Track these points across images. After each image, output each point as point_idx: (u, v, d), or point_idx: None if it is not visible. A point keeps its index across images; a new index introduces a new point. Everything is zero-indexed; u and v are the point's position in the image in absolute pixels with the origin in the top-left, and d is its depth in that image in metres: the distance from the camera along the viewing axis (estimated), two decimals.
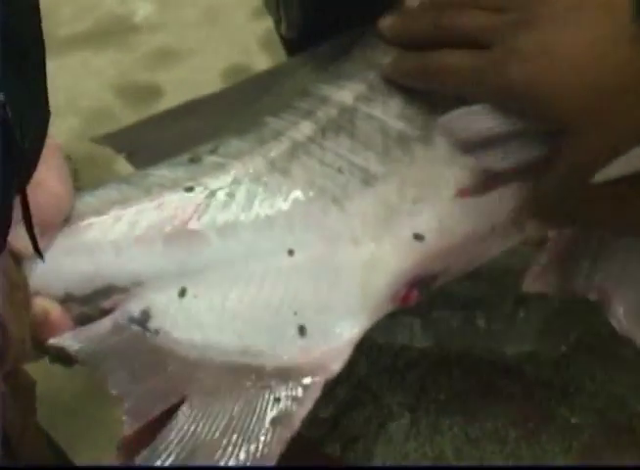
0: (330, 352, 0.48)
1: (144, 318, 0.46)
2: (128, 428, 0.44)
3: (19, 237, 0.46)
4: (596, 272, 0.56)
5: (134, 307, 0.46)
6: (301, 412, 0.46)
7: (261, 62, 1.25)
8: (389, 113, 0.53)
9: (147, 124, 0.62)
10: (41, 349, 0.47)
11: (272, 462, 0.46)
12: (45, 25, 0.46)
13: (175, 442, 0.43)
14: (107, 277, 0.47)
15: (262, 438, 0.45)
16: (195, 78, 1.22)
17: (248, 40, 1.28)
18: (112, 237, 0.47)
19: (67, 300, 0.46)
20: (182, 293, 0.47)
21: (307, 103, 0.53)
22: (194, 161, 0.51)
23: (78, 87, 1.24)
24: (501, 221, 0.53)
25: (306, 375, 0.47)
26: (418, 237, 0.50)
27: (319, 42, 0.64)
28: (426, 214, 0.51)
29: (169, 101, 1.29)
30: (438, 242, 0.51)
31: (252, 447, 0.44)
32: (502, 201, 0.53)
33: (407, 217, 0.51)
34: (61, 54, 1.27)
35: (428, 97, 0.53)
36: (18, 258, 0.47)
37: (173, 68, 1.27)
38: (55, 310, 0.47)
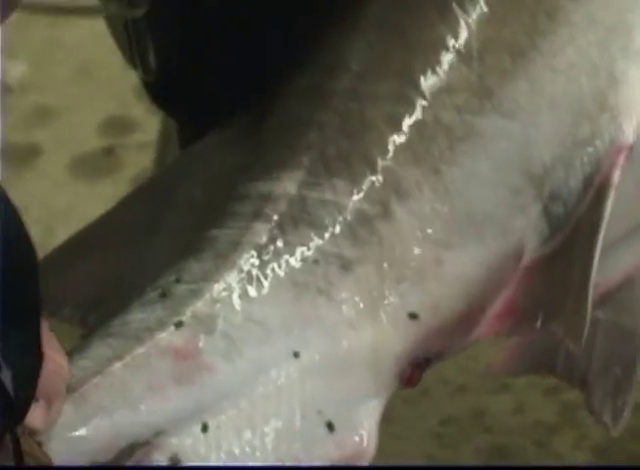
0: (360, 440, 0.49)
1: (174, 463, 0.45)
2: None
3: (33, 416, 0.45)
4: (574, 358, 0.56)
5: (161, 457, 0.45)
6: None
7: (139, 111, 1.26)
8: (340, 193, 0.50)
9: (68, 279, 0.57)
10: None
11: None
12: None
13: None
14: (128, 436, 0.45)
15: None
16: (73, 135, 1.22)
17: (123, 91, 1.28)
18: (124, 395, 0.45)
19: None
20: (204, 428, 0.47)
21: (249, 205, 0.50)
22: (165, 295, 0.48)
23: None
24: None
25: (351, 460, 0.49)
26: (413, 316, 0.50)
27: (180, 86, 0.65)
28: (414, 293, 0.50)
29: (49, 159, 1.29)
30: (434, 319, 0.50)
31: None
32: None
33: (396, 298, 0.50)
34: None
35: (372, 167, 0.50)
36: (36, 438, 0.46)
37: (50, 125, 1.27)
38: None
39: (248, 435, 0.47)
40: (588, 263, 0.47)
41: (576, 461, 1.14)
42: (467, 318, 0.51)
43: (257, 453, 0.48)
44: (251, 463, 0.49)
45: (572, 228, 0.49)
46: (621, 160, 0.49)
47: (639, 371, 0.56)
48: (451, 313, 0.50)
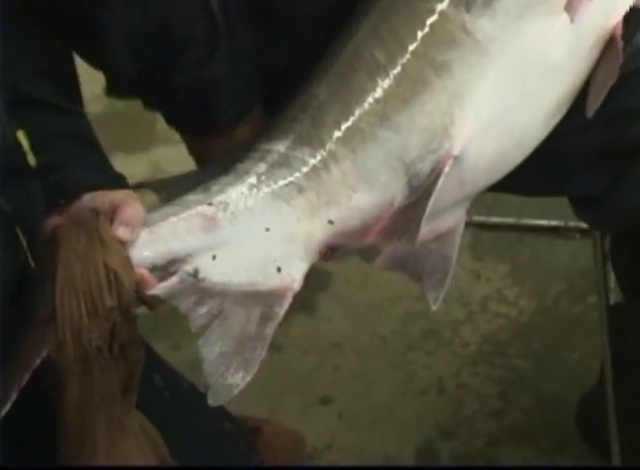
0: (294, 279, 0.92)
1: (195, 273, 0.88)
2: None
3: (124, 233, 0.89)
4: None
5: (189, 268, 0.88)
6: (280, 312, 0.91)
7: None
8: (305, 153, 1.00)
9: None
10: (140, 298, 0.87)
11: (264, 345, 0.89)
12: None
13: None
14: (174, 254, 0.88)
15: (255, 326, 0.91)
16: None
17: None
18: (176, 233, 0.89)
19: (152, 269, 0.87)
20: (213, 257, 0.90)
21: (258, 154, 1.00)
22: (205, 189, 0.94)
23: None
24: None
25: (282, 294, 0.92)
26: (330, 222, 0.94)
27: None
28: (334, 211, 0.95)
29: None
30: (342, 226, 0.94)
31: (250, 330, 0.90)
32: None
33: (324, 211, 0.95)
34: None
35: (322, 143, 1.00)
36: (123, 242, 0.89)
37: None
38: (147, 275, 0.87)
39: (235, 265, 0.92)
40: (422, 209, 0.92)
41: None
42: (360, 230, 0.94)
43: (239, 276, 0.92)
44: (234, 281, 0.92)
45: (420, 193, 0.94)
46: (450, 160, 0.94)
47: (451, 271, 0.96)
48: (351, 225, 0.94)
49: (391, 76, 0.95)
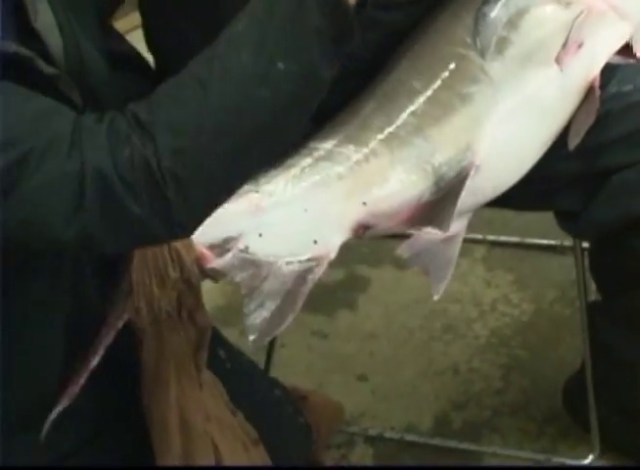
0: (329, 250, 1.00)
1: (245, 249, 0.97)
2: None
3: None
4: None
5: (241, 245, 0.97)
6: (315, 276, 0.99)
7: None
8: (349, 149, 1.04)
9: None
10: (202, 272, 0.95)
11: (299, 301, 0.98)
12: None
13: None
14: (227, 234, 0.97)
15: (293, 286, 0.99)
16: None
17: None
18: (229, 216, 0.94)
19: (211, 247, 0.96)
20: (260, 235, 0.97)
21: (306, 150, 1.04)
22: (255, 179, 0.98)
23: None
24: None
25: (317, 262, 0.99)
26: (364, 203, 1.00)
27: None
28: (368, 195, 1.01)
29: None
30: (375, 208, 1.01)
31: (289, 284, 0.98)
32: None
33: (359, 195, 1.01)
34: None
35: (362, 145, 1.04)
36: None
37: None
38: (205, 252, 0.94)
39: (279, 240, 1.00)
40: (454, 201, 0.99)
41: None
42: (390, 215, 1.01)
43: (281, 251, 1.00)
44: (279, 254, 0.99)
45: (447, 191, 1.00)
46: (473, 168, 1.01)
47: (452, 269, 1.04)
48: (382, 209, 1.01)
49: (426, 99, 1.02)
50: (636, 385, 1.25)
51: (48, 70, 0.86)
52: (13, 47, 0.82)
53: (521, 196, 1.08)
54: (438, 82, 1.02)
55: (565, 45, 1.02)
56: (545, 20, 1.02)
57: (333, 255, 1.00)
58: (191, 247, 0.95)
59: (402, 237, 1.06)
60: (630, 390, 1.26)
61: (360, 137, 1.04)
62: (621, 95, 1.14)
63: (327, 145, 1.05)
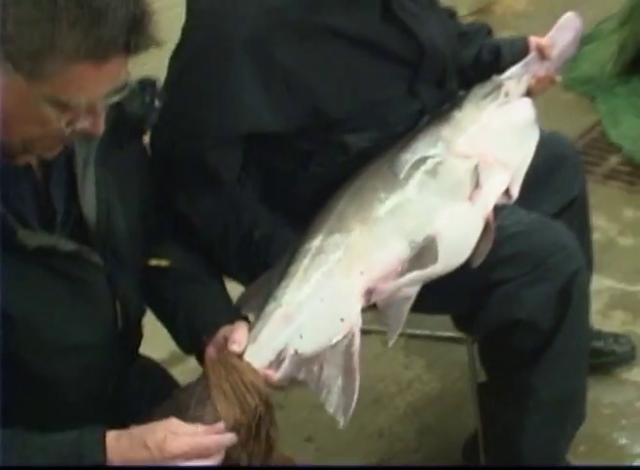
0: (355, 321, 1.07)
1: (295, 353, 1.03)
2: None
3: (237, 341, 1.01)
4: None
5: (291, 351, 1.03)
6: (356, 346, 1.04)
7: None
8: (333, 246, 1.13)
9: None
10: (271, 387, 0.99)
11: (355, 372, 1.03)
12: None
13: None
14: (277, 348, 1.03)
15: (344, 362, 1.03)
16: None
17: None
18: (271, 336, 1.05)
19: (270, 365, 1.02)
20: (301, 336, 1.04)
21: (299, 254, 1.13)
22: (275, 297, 1.08)
23: None
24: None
25: (352, 334, 1.05)
26: (362, 273, 1.10)
27: None
28: (362, 266, 1.10)
29: None
30: (370, 276, 1.10)
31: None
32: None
33: (356, 267, 1.10)
34: None
35: (344, 238, 1.15)
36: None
37: None
38: (268, 371, 1.00)
39: (315, 333, 1.05)
40: (435, 250, 1.14)
41: None
42: (383, 275, 1.09)
43: (321, 338, 1.04)
44: (321, 344, 1.03)
45: (423, 254, 1.14)
46: (433, 239, 1.17)
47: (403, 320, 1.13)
48: (376, 273, 1.10)
49: (387, 199, 1.18)
50: (514, 444, 1.40)
51: (69, 246, 0.95)
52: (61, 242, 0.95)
53: (426, 302, 1.18)
54: (395, 192, 1.19)
55: (473, 186, 1.19)
56: (453, 168, 1.21)
57: (359, 322, 1.09)
58: (256, 372, 0.99)
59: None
60: (511, 447, 1.41)
61: (342, 226, 1.15)
62: (503, 227, 1.29)
63: (316, 242, 1.13)
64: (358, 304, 1.09)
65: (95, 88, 0.87)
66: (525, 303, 1.27)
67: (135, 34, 0.85)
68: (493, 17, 3.49)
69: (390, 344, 1.12)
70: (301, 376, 1.02)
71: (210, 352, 1.04)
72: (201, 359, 1.07)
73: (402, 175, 1.19)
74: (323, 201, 1.20)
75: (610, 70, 2.91)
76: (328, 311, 1.07)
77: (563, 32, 1.41)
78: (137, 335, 1.13)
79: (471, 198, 1.19)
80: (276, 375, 1.01)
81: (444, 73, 1.34)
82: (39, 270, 0.93)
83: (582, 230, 1.62)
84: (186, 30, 1.19)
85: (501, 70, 1.36)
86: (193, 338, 1.08)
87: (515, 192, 1.23)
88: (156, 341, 1.24)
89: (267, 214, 1.27)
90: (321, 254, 1.11)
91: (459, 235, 1.19)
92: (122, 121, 1.00)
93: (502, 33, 3.30)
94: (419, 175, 1.19)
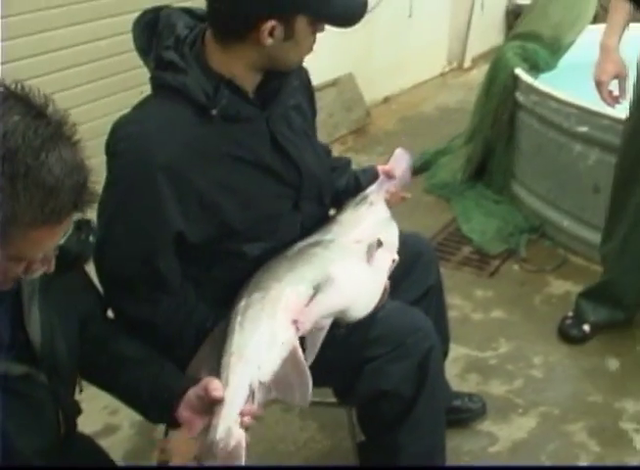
0: (294, 339, 1.17)
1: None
2: None
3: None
4: None
5: (256, 383, 1.12)
6: (300, 355, 1.14)
7: None
8: (257, 302, 1.23)
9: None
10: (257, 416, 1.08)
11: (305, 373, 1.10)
12: None
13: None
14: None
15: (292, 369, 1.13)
16: None
17: None
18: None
19: (246, 402, 1.11)
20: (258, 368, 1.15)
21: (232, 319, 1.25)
22: (220, 353, 1.16)
23: None
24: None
25: (291, 352, 1.13)
26: (284, 311, 1.21)
27: None
28: (285, 308, 1.20)
29: None
30: (291, 312, 1.21)
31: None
32: None
33: (277, 306, 1.20)
34: None
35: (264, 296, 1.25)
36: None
37: None
38: (248, 408, 1.08)
39: (266, 361, 1.14)
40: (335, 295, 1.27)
41: None
42: (302, 310, 1.20)
43: (270, 364, 1.12)
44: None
45: (325, 284, 1.27)
46: (330, 281, 1.30)
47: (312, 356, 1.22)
48: (294, 313, 1.21)
49: (291, 258, 1.30)
50: None
51: (19, 370, 0.98)
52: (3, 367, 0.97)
53: (315, 377, 1.21)
54: (291, 256, 1.33)
55: (369, 257, 1.35)
56: (346, 246, 1.36)
57: (296, 338, 1.19)
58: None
59: None
60: None
61: (259, 287, 1.25)
62: (372, 313, 1.38)
63: (242, 303, 1.23)
64: (290, 329, 1.20)
65: (51, 243, 0.93)
66: (391, 376, 1.37)
67: (82, 196, 0.90)
68: (368, 135, 3.72)
69: (309, 363, 1.20)
70: (272, 396, 1.10)
71: (183, 412, 1.09)
72: (170, 424, 1.14)
73: (297, 252, 1.33)
74: (225, 300, 1.29)
75: (460, 178, 3.13)
76: (270, 342, 1.16)
77: (398, 161, 1.64)
78: (74, 429, 1.16)
79: (368, 262, 1.34)
80: (254, 407, 1.09)
81: (320, 192, 1.47)
82: None
83: (440, 311, 1.78)
84: (113, 156, 1.25)
85: (362, 190, 1.58)
86: (161, 408, 1.12)
87: (396, 257, 1.41)
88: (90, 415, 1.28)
89: (206, 307, 1.34)
90: (248, 309, 1.22)
91: (353, 280, 1.30)
92: (62, 257, 1.01)
93: (376, 148, 3.74)
94: (312, 248, 1.33)
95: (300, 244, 1.34)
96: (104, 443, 1.32)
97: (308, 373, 1.12)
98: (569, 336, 2.29)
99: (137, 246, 1.26)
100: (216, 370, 1.13)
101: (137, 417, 1.46)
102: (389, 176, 1.61)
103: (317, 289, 1.24)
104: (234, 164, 1.28)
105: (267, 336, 1.16)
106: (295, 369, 1.12)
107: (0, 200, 0.82)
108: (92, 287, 1.24)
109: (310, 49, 1.28)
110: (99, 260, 1.27)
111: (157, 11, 1.29)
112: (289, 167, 1.38)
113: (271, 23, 1.18)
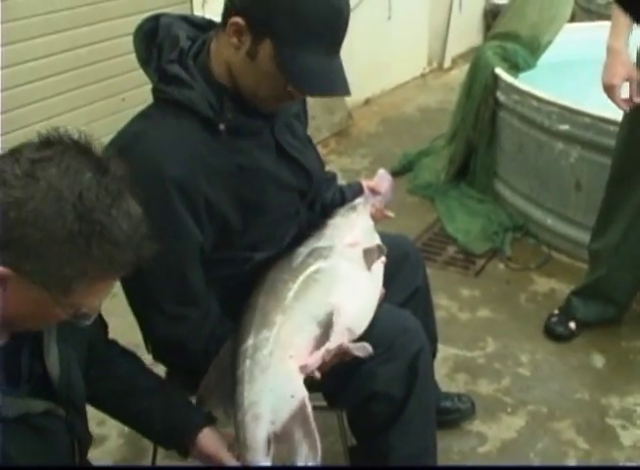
0: (303, 394, 1.14)
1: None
2: None
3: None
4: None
5: (272, 438, 1.13)
6: (309, 413, 1.12)
7: None
8: (263, 338, 1.21)
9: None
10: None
11: (313, 433, 1.11)
12: None
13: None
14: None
15: (301, 428, 1.12)
16: None
17: None
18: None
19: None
20: (273, 422, 1.14)
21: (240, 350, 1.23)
22: (232, 401, 1.17)
23: None
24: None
25: (302, 405, 1.12)
26: (291, 357, 1.18)
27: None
28: (290, 349, 1.19)
29: None
30: (299, 354, 1.19)
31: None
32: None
33: (286, 352, 1.19)
34: None
35: (269, 329, 1.23)
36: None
37: None
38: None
39: (276, 417, 1.14)
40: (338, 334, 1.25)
41: None
42: (305, 352, 1.19)
43: (283, 418, 1.13)
44: (283, 421, 1.09)
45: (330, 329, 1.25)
46: (338, 314, 1.28)
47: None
48: (301, 351, 1.19)
49: (294, 289, 1.29)
50: None
51: (40, 407, 0.97)
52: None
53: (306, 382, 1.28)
54: (294, 276, 1.32)
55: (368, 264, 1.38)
56: (343, 253, 1.37)
57: (305, 392, 1.18)
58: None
59: None
60: None
61: (266, 322, 1.25)
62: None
63: (250, 341, 1.23)
64: (299, 379, 1.19)
65: (108, 292, 0.95)
66: (381, 378, 1.38)
67: (144, 248, 0.92)
68: (350, 137, 3.73)
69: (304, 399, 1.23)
70: (285, 451, 1.10)
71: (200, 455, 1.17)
72: (182, 453, 1.19)
73: (300, 265, 1.34)
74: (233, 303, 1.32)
75: (443, 178, 3.16)
76: (280, 395, 1.16)
77: (382, 180, 1.72)
78: (85, 457, 1.17)
79: (368, 268, 1.35)
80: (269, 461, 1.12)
81: (316, 197, 1.51)
82: (15, 426, 0.94)
83: (427, 311, 1.79)
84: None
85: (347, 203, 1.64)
86: (174, 440, 1.18)
87: (384, 259, 1.44)
88: None
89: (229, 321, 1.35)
90: (257, 351, 1.21)
91: (358, 304, 1.30)
92: None
93: (359, 150, 3.75)
94: (314, 262, 1.34)
95: (301, 249, 1.35)
96: (92, 453, 1.28)
97: (316, 433, 1.11)
98: (555, 333, 2.32)
99: (167, 264, 1.24)
100: (225, 400, 1.16)
101: (125, 427, 1.49)
102: (374, 191, 1.66)
103: (323, 327, 1.23)
104: (242, 175, 1.30)
105: (276, 389, 1.16)
106: (303, 432, 1.11)
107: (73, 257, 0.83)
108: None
109: (272, 93, 1.22)
110: (130, 287, 1.27)
111: (155, 19, 1.28)
112: (298, 174, 1.40)
113: (239, 20, 1.16)
